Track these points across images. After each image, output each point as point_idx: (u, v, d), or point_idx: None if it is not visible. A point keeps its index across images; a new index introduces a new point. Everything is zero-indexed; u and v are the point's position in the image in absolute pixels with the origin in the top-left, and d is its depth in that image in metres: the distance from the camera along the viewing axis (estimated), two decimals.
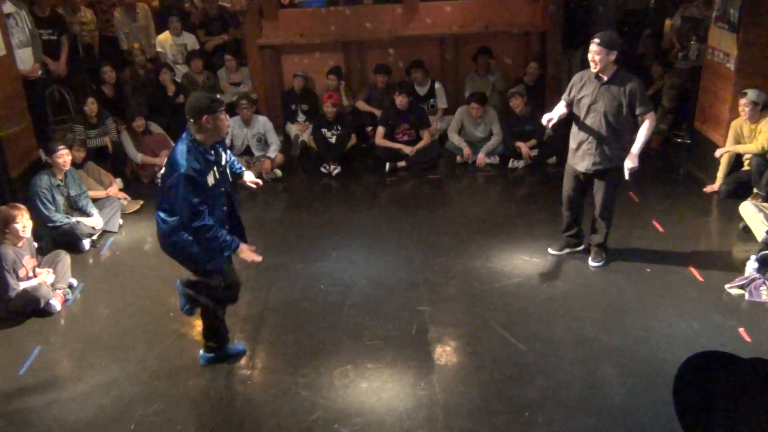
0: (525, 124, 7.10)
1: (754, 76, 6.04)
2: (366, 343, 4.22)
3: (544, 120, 4.75)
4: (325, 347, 4.20)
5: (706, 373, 1.34)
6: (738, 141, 5.96)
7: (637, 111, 4.51)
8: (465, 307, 4.59)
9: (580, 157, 4.74)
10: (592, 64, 4.51)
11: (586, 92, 4.61)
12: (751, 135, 5.86)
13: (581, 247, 5.16)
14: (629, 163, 4.52)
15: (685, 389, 1.36)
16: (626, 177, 4.57)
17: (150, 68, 8.00)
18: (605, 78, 4.52)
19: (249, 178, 4.05)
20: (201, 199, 3.48)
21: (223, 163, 3.73)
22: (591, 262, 5.01)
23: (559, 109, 4.79)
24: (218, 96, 3.78)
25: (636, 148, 4.55)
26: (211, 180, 3.56)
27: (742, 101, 5.76)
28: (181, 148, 3.49)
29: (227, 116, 3.65)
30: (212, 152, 3.60)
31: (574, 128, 4.77)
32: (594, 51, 4.46)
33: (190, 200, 3.44)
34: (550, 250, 5.19)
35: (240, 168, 4.06)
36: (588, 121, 4.62)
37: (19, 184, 5.85)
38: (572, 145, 4.81)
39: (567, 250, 5.17)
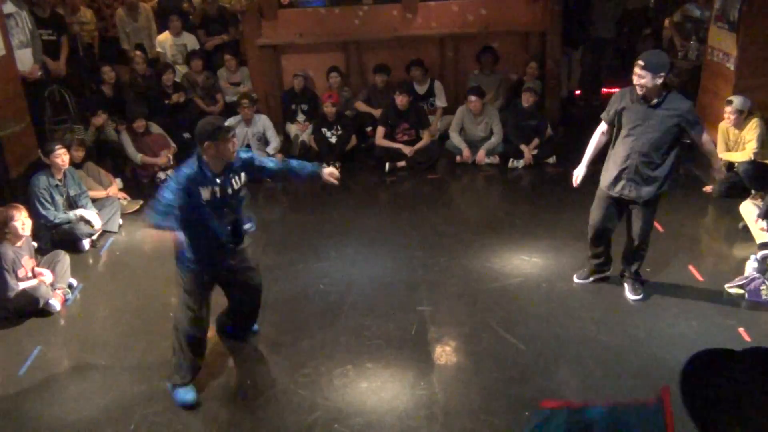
0: (529, 119, 7.11)
1: (754, 76, 6.05)
2: (366, 343, 4.22)
3: (576, 179, 4.47)
4: (325, 347, 4.20)
5: (709, 372, 1.38)
6: (726, 143, 6.03)
7: (693, 132, 4.14)
8: (465, 307, 4.59)
9: (621, 184, 4.25)
10: (637, 88, 4.04)
11: (630, 114, 4.14)
12: (736, 140, 5.94)
13: (608, 273, 4.73)
14: (719, 173, 4.78)
15: (691, 389, 1.40)
16: (711, 191, 4.77)
17: (149, 74, 7.99)
18: (654, 101, 4.05)
19: (327, 171, 4.06)
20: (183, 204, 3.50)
21: (233, 188, 3.69)
22: (630, 295, 4.55)
23: (593, 147, 4.44)
24: (227, 124, 3.72)
25: (717, 163, 4.59)
26: (205, 194, 3.56)
27: (728, 109, 5.82)
28: (184, 170, 3.56)
29: (234, 143, 3.60)
30: (218, 176, 3.60)
31: (614, 151, 4.29)
32: (638, 74, 3.98)
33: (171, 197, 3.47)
34: (576, 278, 4.75)
35: (314, 170, 4.03)
36: (631, 145, 4.15)
37: (19, 184, 5.85)
38: (611, 170, 4.29)
39: (593, 278, 4.73)
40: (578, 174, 4.49)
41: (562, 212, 5.94)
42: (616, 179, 4.26)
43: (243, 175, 3.75)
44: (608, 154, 4.36)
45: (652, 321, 4.32)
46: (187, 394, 3.75)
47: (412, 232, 5.71)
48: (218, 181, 3.59)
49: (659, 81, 3.96)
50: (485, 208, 6.46)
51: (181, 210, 3.49)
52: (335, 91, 7.61)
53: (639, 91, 4.05)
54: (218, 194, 3.61)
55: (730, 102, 5.80)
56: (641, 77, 3.97)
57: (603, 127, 4.42)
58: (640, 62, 3.98)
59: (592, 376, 3.87)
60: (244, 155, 3.78)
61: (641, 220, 4.34)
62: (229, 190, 3.67)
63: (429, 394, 3.75)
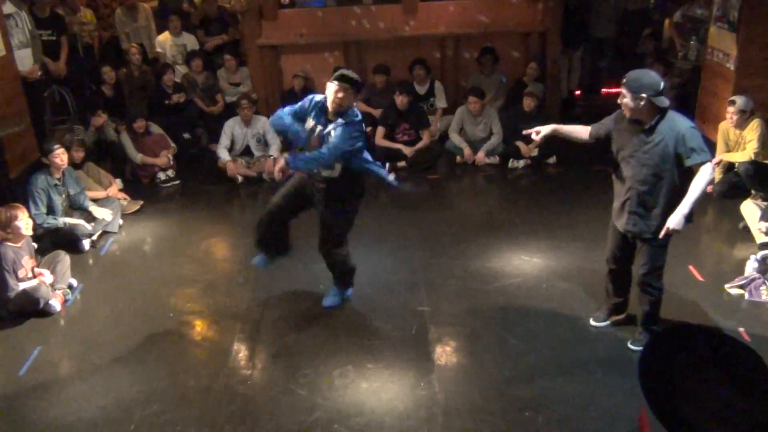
0: (530, 122, 7.10)
1: (754, 76, 6.06)
2: (366, 343, 4.22)
3: (533, 132, 4.13)
4: (325, 347, 4.20)
5: (668, 350, 1.42)
6: (726, 143, 6.02)
7: (687, 162, 3.59)
8: (465, 307, 4.59)
9: (624, 217, 3.87)
10: (623, 109, 3.72)
11: (624, 139, 3.77)
12: (737, 140, 5.92)
13: (624, 315, 4.32)
14: (671, 223, 3.60)
15: (649, 366, 1.45)
16: (660, 234, 3.68)
17: (145, 69, 7.99)
18: (646, 125, 3.66)
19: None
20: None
21: (325, 131, 4.17)
22: (629, 345, 4.10)
23: (568, 129, 4.14)
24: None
25: (685, 205, 3.59)
26: (309, 123, 4.22)
27: (731, 109, 5.78)
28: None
29: (339, 89, 4.05)
30: (322, 117, 4.20)
31: (615, 179, 3.95)
32: (621, 92, 3.66)
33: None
34: (592, 322, 4.32)
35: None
36: (632, 173, 3.75)
37: (19, 184, 5.85)
38: (615, 201, 3.97)
39: (612, 320, 4.31)
40: (541, 129, 4.12)
41: (562, 212, 5.94)
42: (620, 211, 3.90)
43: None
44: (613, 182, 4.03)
45: None
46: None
47: (411, 232, 5.71)
48: (320, 119, 4.22)
49: (641, 103, 3.57)
50: (485, 208, 6.46)
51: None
52: None
53: (625, 113, 3.71)
54: (310, 125, 4.24)
55: (732, 102, 5.77)
56: (623, 96, 3.65)
57: (586, 129, 4.08)
58: (623, 79, 3.67)
59: (592, 376, 3.87)
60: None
61: (645, 256, 3.90)
62: (324, 130, 4.21)
63: (429, 394, 3.75)
